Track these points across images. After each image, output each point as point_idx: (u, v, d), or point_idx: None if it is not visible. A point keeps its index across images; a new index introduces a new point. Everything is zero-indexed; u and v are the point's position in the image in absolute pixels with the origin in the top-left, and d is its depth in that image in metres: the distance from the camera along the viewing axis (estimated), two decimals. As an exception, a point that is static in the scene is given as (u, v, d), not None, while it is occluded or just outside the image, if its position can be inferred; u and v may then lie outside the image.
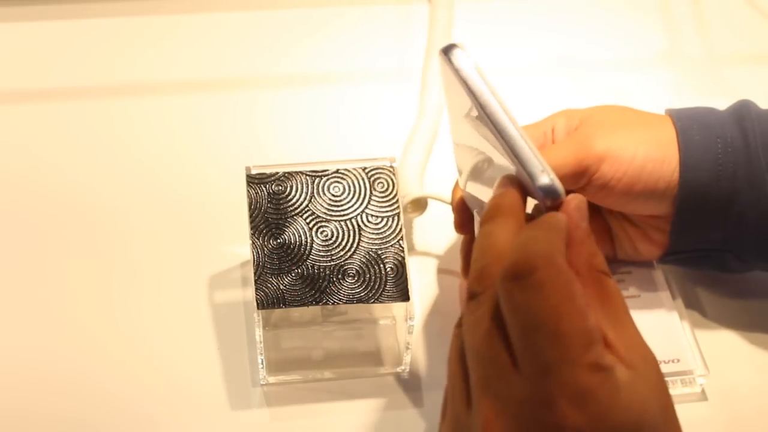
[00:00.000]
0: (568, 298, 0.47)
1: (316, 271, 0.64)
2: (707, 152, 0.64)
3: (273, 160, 0.68)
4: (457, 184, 0.67)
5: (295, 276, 0.64)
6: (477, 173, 0.61)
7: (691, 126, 0.65)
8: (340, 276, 0.64)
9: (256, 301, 0.64)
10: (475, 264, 0.51)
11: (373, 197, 0.67)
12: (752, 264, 0.68)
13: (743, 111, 0.66)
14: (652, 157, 0.64)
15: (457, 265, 0.74)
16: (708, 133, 0.65)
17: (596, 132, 0.64)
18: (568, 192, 0.53)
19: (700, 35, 0.89)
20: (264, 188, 0.66)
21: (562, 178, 0.57)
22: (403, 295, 0.64)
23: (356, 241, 0.65)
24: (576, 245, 0.51)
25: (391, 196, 0.67)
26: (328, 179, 0.67)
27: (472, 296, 0.51)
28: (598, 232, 0.70)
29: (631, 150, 0.64)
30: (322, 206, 0.66)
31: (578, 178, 0.64)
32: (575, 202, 0.52)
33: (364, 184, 0.67)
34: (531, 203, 0.54)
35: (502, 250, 0.50)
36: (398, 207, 0.66)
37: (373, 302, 0.64)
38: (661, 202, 0.65)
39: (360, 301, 0.64)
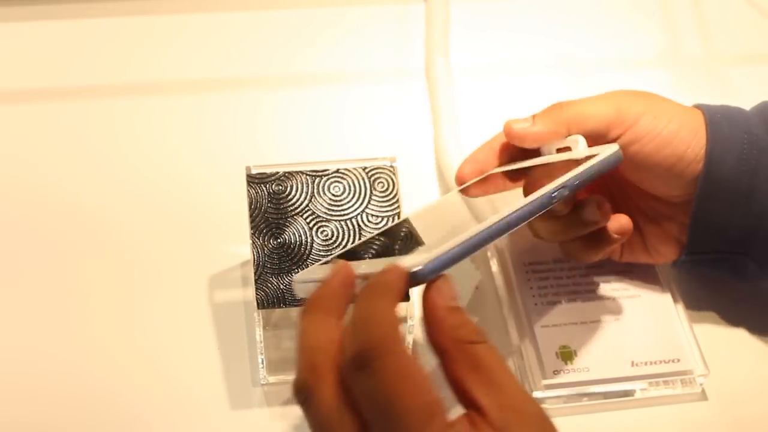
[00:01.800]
0: (404, 378, 0.50)
1: (316, 270, 0.64)
2: (733, 146, 0.65)
3: (273, 160, 0.68)
4: None
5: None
6: None
7: (719, 120, 0.66)
8: (340, 276, 0.64)
9: (257, 300, 0.64)
10: (302, 358, 0.53)
11: (373, 197, 0.67)
12: None
13: None
14: (687, 126, 0.65)
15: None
16: (735, 128, 0.66)
17: (636, 95, 0.67)
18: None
19: (700, 35, 0.89)
20: (264, 188, 0.66)
21: (598, 127, 0.64)
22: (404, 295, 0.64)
23: (356, 240, 0.65)
24: (437, 324, 0.53)
25: (391, 196, 0.67)
26: (328, 179, 0.67)
27: (300, 390, 0.52)
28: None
29: (668, 115, 0.66)
30: (323, 206, 0.66)
31: (611, 129, 0.65)
32: (434, 283, 0.54)
33: (365, 183, 0.67)
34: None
35: (329, 340, 0.52)
36: (398, 207, 0.66)
37: (374, 302, 0.64)
38: (681, 178, 0.66)
39: (360, 300, 0.64)
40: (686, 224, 0.67)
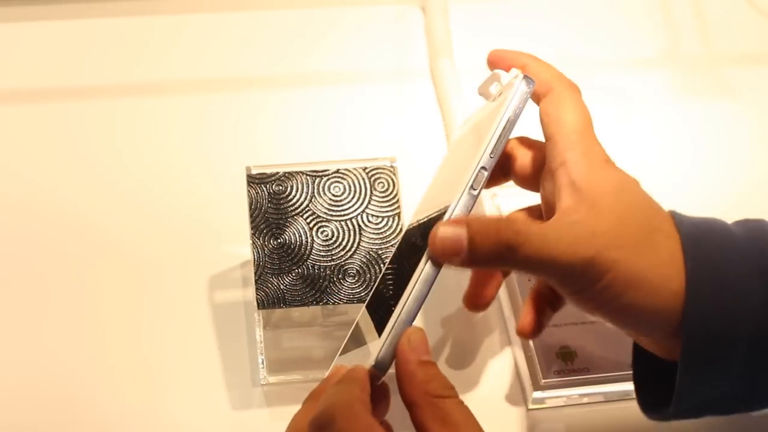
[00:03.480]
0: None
1: (316, 271, 0.64)
2: (715, 325, 0.56)
3: (273, 160, 0.68)
4: None
5: (295, 276, 0.64)
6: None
7: (703, 281, 0.56)
8: (340, 276, 0.64)
9: (257, 301, 0.64)
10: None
11: (373, 197, 0.67)
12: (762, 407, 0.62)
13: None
14: (664, 289, 0.57)
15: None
16: (722, 290, 0.56)
17: (616, 237, 0.57)
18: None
19: (700, 35, 0.89)
20: (264, 188, 0.66)
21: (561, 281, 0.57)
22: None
23: (356, 241, 0.65)
24: (408, 378, 0.55)
25: (391, 196, 0.67)
26: (328, 179, 0.67)
27: None
28: None
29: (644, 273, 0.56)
30: (323, 206, 0.66)
31: (583, 276, 0.56)
32: (404, 337, 0.56)
33: (365, 184, 0.67)
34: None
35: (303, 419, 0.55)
36: (398, 207, 0.66)
37: (374, 302, 0.64)
38: (660, 329, 0.58)
39: (360, 301, 0.64)
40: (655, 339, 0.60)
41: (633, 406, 0.68)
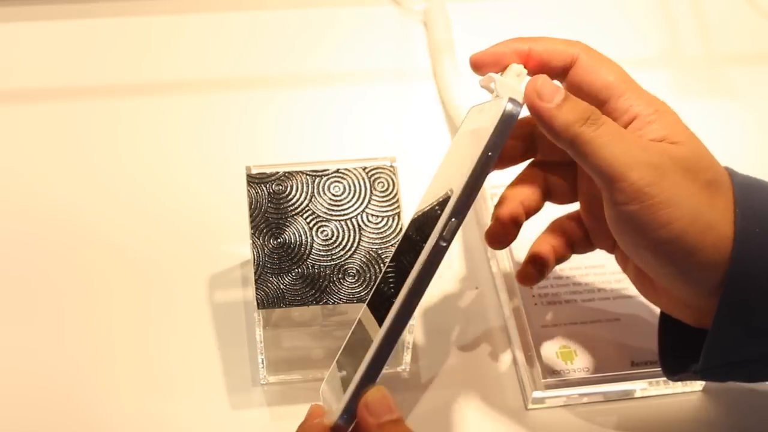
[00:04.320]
0: None
1: (316, 270, 0.64)
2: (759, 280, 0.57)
3: (273, 160, 0.68)
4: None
5: (295, 275, 0.64)
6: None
7: (751, 235, 0.57)
8: (340, 276, 0.64)
9: (257, 300, 0.64)
10: None
11: (373, 197, 0.67)
12: None
13: None
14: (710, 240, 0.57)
15: (455, 264, 0.74)
16: None
17: (684, 173, 0.58)
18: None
19: (700, 35, 0.89)
20: (264, 188, 0.67)
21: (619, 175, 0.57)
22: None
23: (356, 240, 0.65)
24: None
25: (391, 196, 0.67)
26: (328, 179, 0.67)
27: None
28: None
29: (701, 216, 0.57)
30: (323, 206, 0.66)
31: (645, 177, 0.57)
32: (362, 402, 0.56)
33: (365, 183, 0.67)
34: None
35: None
36: (398, 207, 0.66)
37: (374, 302, 0.64)
38: (701, 274, 0.58)
39: (360, 300, 0.64)
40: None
41: (633, 406, 0.68)
